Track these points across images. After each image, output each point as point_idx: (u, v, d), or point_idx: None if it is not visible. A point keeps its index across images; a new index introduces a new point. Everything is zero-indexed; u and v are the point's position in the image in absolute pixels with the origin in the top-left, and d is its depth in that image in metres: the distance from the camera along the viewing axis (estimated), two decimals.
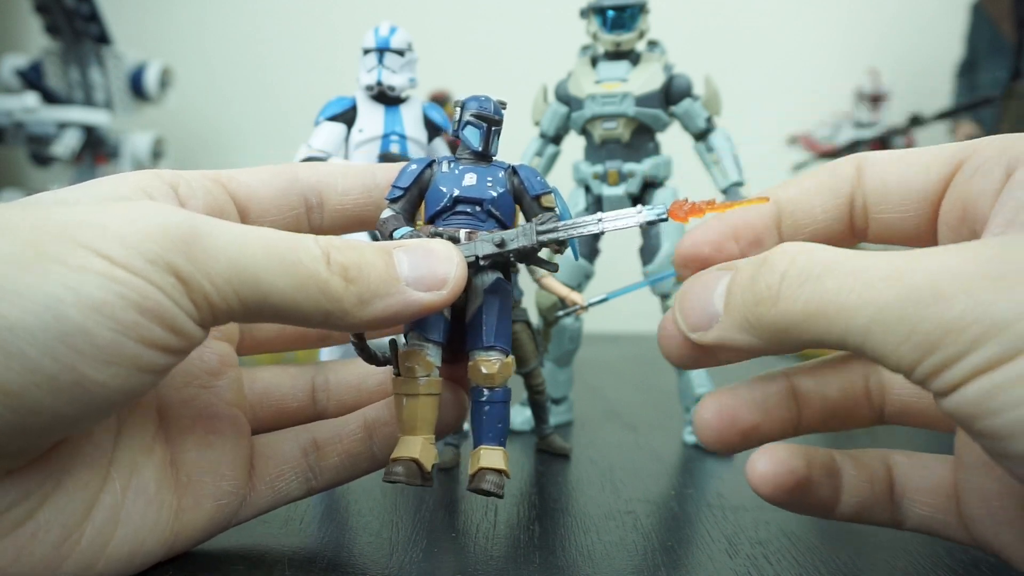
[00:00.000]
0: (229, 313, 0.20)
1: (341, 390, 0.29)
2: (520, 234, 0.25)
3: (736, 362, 0.23)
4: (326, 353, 0.43)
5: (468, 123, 0.26)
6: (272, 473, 0.27)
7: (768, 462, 0.21)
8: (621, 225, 0.25)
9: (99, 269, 0.18)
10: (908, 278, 0.17)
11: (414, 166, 0.26)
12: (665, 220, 0.25)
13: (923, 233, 0.23)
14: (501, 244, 0.25)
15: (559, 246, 0.25)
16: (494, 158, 0.27)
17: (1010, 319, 0.16)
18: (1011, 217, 0.19)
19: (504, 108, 0.27)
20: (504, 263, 0.26)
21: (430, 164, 0.26)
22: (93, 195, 0.22)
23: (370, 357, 0.27)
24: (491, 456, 0.25)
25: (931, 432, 0.24)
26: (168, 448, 0.24)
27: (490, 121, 0.26)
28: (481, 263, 0.25)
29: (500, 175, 0.26)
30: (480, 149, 0.26)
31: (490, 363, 0.26)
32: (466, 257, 0.24)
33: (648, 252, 0.47)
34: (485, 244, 0.25)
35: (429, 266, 0.23)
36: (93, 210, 0.19)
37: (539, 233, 0.25)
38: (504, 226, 0.26)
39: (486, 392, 0.26)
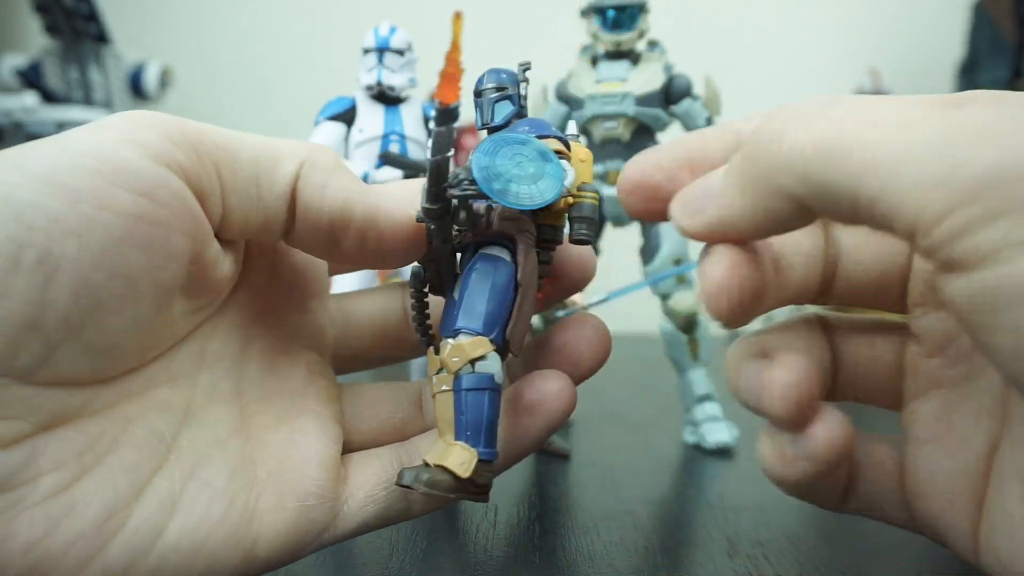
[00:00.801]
0: (208, 160, 0.20)
1: None
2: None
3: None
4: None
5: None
6: (371, 482, 0.23)
7: (831, 427, 0.19)
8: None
9: (52, 146, 0.18)
10: (953, 116, 0.14)
11: None
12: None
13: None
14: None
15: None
16: (516, 121, 0.25)
17: None
18: None
19: (526, 69, 0.25)
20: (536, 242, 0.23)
21: None
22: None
23: (425, 331, 0.24)
24: (436, 450, 0.22)
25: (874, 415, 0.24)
26: (248, 444, 0.23)
27: (478, 94, 0.25)
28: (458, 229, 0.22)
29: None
30: (480, 126, 0.25)
31: (444, 347, 0.22)
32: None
33: (648, 252, 0.47)
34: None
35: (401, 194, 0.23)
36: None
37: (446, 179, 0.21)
38: None
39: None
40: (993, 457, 0.19)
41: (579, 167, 0.24)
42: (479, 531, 0.31)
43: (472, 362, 0.21)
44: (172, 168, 0.19)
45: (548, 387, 0.24)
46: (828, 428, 0.19)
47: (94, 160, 0.18)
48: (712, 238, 0.20)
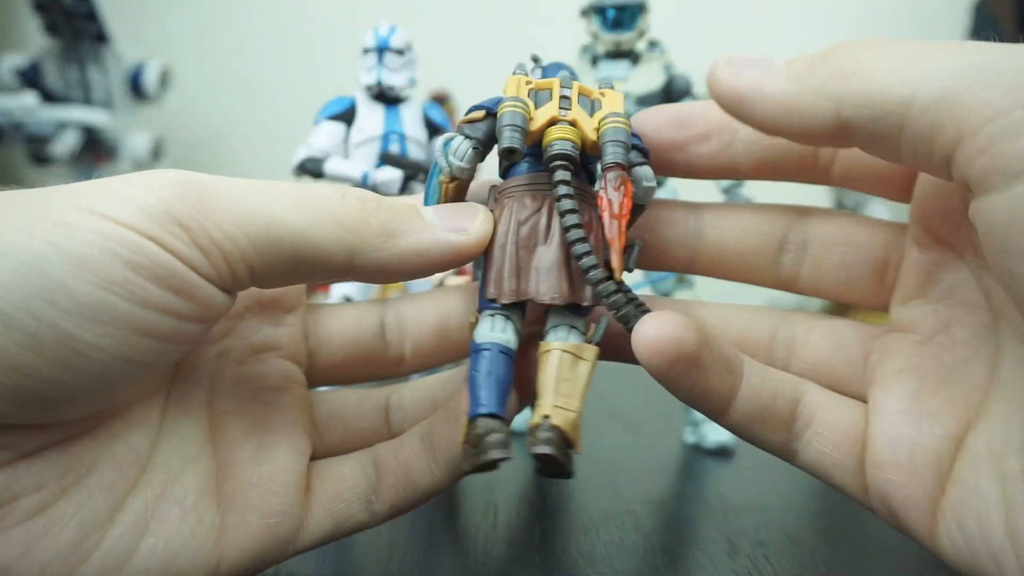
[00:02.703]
0: (244, 259, 0.19)
1: (418, 408, 0.26)
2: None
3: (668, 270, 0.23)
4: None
5: None
6: (329, 493, 0.24)
7: (655, 326, 0.20)
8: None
9: (88, 225, 0.17)
10: (1008, 46, 0.16)
11: None
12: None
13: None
14: None
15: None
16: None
17: None
18: None
19: (537, 61, 0.25)
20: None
21: None
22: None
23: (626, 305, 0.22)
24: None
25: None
26: (216, 461, 0.23)
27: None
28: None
29: None
30: None
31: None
32: None
33: None
34: None
35: (453, 217, 0.22)
36: (109, 179, 0.19)
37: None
38: None
39: None
40: (966, 436, 0.20)
41: (605, 102, 0.23)
42: (479, 531, 0.31)
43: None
44: (200, 269, 0.18)
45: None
46: (651, 326, 0.20)
47: (129, 251, 0.17)
48: (737, 105, 0.20)
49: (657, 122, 0.24)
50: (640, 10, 0.46)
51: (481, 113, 0.23)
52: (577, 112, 0.22)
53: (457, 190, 0.24)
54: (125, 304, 0.17)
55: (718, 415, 0.22)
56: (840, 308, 0.31)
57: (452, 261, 0.22)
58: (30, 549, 0.18)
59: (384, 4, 0.88)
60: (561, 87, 0.23)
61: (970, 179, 0.16)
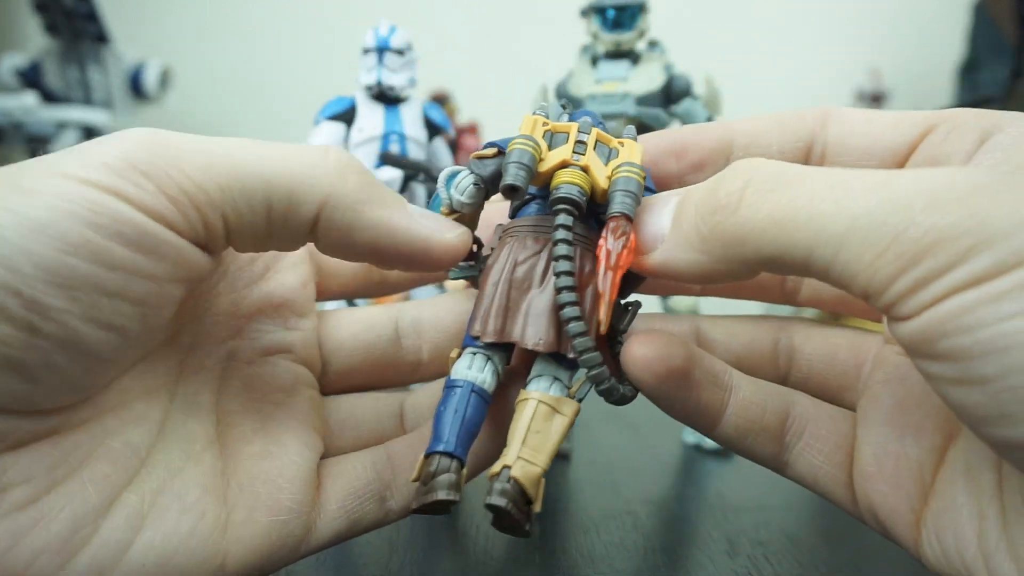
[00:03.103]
0: (214, 207, 0.18)
1: (434, 410, 0.25)
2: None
3: (678, 293, 0.23)
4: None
5: None
6: (343, 492, 0.23)
7: (645, 345, 0.20)
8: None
9: (50, 189, 0.17)
10: (896, 186, 0.16)
11: None
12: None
13: None
14: None
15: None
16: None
17: (1008, 230, 0.14)
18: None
19: (565, 107, 0.25)
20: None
21: None
22: None
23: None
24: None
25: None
26: (222, 459, 0.22)
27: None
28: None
29: None
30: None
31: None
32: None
33: None
34: None
35: (435, 218, 0.22)
36: (83, 143, 0.18)
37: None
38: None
39: None
40: (948, 449, 0.20)
41: (622, 151, 0.23)
42: (479, 531, 0.31)
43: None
44: (170, 222, 0.18)
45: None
46: (641, 344, 0.20)
47: (89, 211, 0.17)
48: (656, 276, 0.21)
49: (655, 152, 0.24)
50: (640, 10, 0.46)
51: (493, 151, 0.22)
52: (591, 158, 0.22)
53: (459, 222, 0.23)
54: (86, 265, 0.17)
55: (708, 429, 0.22)
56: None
57: (417, 256, 0.21)
58: (19, 541, 0.18)
59: (384, 4, 0.88)
60: (579, 132, 0.22)
61: (889, 313, 0.16)
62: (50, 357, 0.17)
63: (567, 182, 0.21)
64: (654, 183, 0.23)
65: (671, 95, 0.47)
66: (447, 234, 0.21)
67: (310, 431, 0.24)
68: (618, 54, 0.47)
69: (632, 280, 0.23)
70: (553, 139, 0.22)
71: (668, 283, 0.24)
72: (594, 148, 0.22)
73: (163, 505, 0.20)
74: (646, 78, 0.46)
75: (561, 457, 0.41)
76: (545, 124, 0.22)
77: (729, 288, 0.25)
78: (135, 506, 0.20)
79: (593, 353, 0.20)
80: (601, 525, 0.31)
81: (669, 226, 0.20)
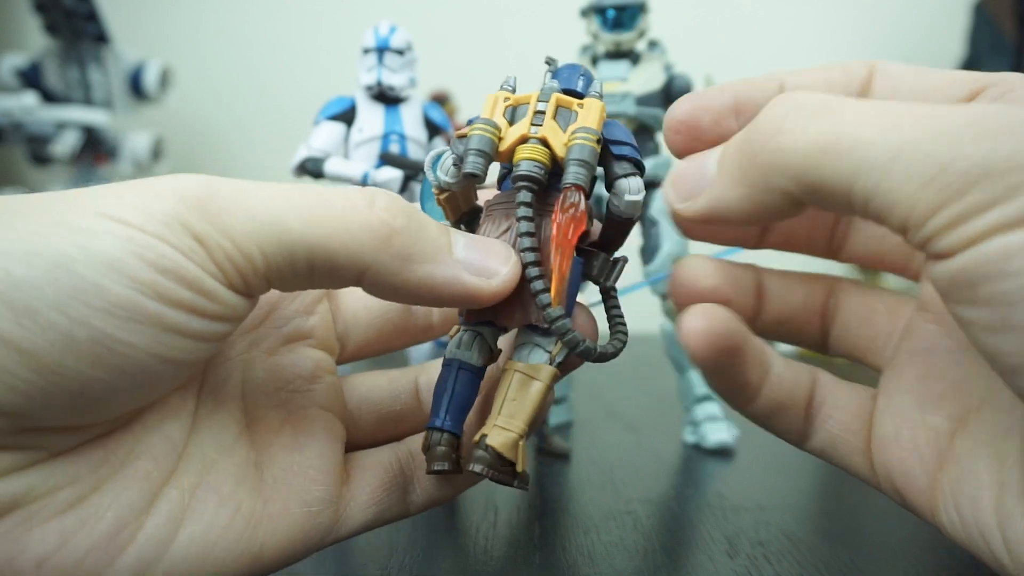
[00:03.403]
0: (257, 272, 0.19)
1: None
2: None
3: (728, 244, 0.22)
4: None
5: None
6: (372, 484, 0.24)
7: (704, 318, 0.20)
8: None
9: (113, 230, 0.17)
10: (944, 117, 0.15)
11: None
12: None
13: None
14: None
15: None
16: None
17: None
18: None
19: (550, 64, 0.25)
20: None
21: None
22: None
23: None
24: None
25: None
26: (253, 450, 0.22)
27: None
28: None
29: None
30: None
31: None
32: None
33: (648, 252, 0.47)
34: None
35: (483, 256, 0.21)
36: (111, 185, 0.19)
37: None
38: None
39: None
40: (969, 419, 0.20)
41: (580, 114, 0.22)
42: (479, 531, 0.31)
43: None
44: (217, 277, 0.18)
45: None
46: (699, 317, 0.20)
47: (155, 255, 0.17)
48: (705, 223, 0.20)
49: (717, 112, 0.22)
50: (640, 10, 0.46)
51: (469, 128, 0.22)
52: (549, 128, 0.22)
53: (451, 200, 0.24)
54: (153, 303, 0.17)
55: (744, 404, 0.22)
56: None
57: (464, 303, 0.21)
58: (67, 541, 0.18)
59: (384, 4, 0.88)
60: (538, 101, 0.22)
61: (926, 248, 0.16)
62: (110, 389, 0.18)
63: (526, 158, 0.21)
64: (720, 142, 0.22)
65: (671, 95, 0.47)
66: (500, 271, 0.21)
67: (334, 419, 0.24)
68: (618, 54, 0.47)
69: (617, 234, 0.23)
70: (515, 113, 0.23)
71: (719, 233, 0.23)
72: (554, 116, 0.22)
73: (201, 499, 0.21)
74: (646, 78, 0.46)
75: (561, 457, 0.41)
76: (507, 100, 0.23)
77: (779, 239, 0.24)
78: (176, 501, 0.20)
79: (564, 320, 0.20)
80: (601, 525, 0.31)
81: (715, 171, 0.19)
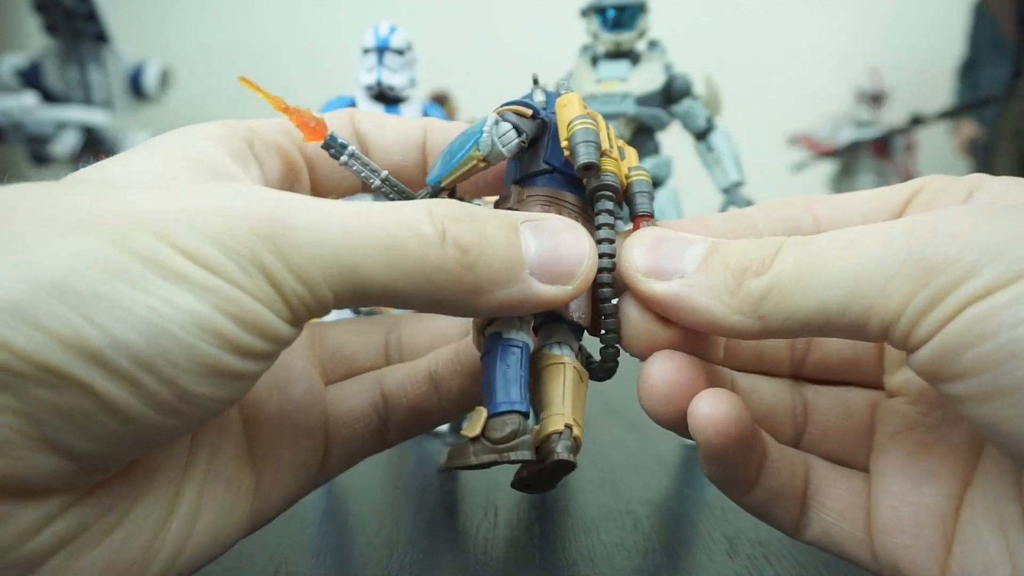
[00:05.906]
0: (325, 309, 0.19)
1: (415, 349, 0.27)
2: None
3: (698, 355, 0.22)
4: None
5: None
6: (346, 434, 0.25)
7: (715, 404, 0.20)
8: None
9: (197, 279, 0.17)
10: (897, 225, 0.17)
11: None
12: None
13: None
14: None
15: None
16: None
17: (1006, 243, 0.15)
18: None
19: (536, 83, 0.25)
20: None
21: None
22: (156, 166, 0.21)
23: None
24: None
25: None
26: (246, 423, 0.23)
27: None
28: None
29: None
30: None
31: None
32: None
33: None
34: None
35: (556, 257, 0.20)
36: (168, 197, 0.18)
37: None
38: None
39: None
40: (965, 494, 0.20)
41: (627, 151, 0.24)
42: (479, 531, 0.31)
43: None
44: (281, 316, 0.18)
45: None
46: (710, 404, 0.20)
47: (228, 305, 0.17)
48: (662, 310, 0.21)
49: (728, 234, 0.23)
50: (640, 10, 0.46)
51: (530, 112, 0.22)
52: (617, 152, 0.22)
53: (473, 171, 0.23)
54: (234, 359, 0.17)
55: (742, 494, 0.22)
56: None
57: (538, 309, 0.21)
58: (110, 565, 0.18)
59: (384, 4, 0.88)
60: (607, 125, 0.23)
61: (908, 341, 0.17)
62: (175, 432, 0.18)
63: (611, 171, 0.22)
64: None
65: (671, 95, 0.47)
66: (576, 274, 0.21)
67: (314, 374, 0.25)
68: (618, 54, 0.47)
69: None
70: None
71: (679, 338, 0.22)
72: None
73: (211, 488, 0.21)
74: (646, 78, 0.46)
75: None
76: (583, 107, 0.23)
77: (746, 362, 0.25)
78: (193, 497, 0.21)
79: (616, 348, 0.21)
80: (601, 525, 0.31)
81: (692, 266, 0.20)
